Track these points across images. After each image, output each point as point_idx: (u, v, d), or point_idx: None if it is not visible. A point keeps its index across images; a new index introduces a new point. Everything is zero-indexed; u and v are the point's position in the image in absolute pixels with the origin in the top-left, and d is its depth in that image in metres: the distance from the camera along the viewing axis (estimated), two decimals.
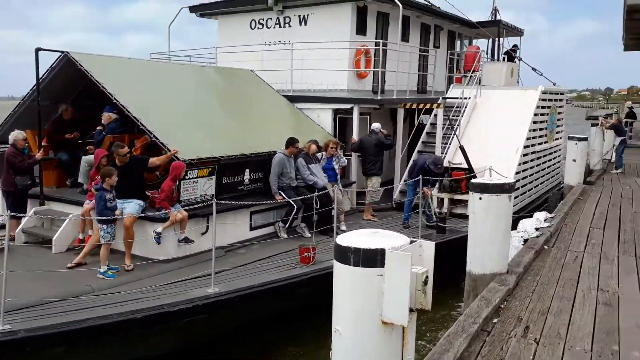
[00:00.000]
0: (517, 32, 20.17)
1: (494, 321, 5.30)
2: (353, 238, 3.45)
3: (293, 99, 12.74)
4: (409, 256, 3.18)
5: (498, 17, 20.13)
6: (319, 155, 10.61)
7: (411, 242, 3.44)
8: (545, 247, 7.85)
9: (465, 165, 11.24)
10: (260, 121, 11.37)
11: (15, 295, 6.11)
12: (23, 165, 8.93)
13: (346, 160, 11.24)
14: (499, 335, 4.99)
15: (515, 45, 18.93)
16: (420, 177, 9.71)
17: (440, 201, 11.34)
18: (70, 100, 10.63)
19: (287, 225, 9.70)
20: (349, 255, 3.31)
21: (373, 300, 3.29)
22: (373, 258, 3.26)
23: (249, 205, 9.23)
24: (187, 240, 8.38)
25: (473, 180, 6.63)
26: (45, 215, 8.68)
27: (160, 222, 8.18)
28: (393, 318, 3.28)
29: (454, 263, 7.76)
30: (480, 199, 6.25)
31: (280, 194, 9.70)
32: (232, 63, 13.58)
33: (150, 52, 15.82)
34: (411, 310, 3.31)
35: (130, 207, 8.12)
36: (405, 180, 11.00)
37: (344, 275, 3.41)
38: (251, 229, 9.53)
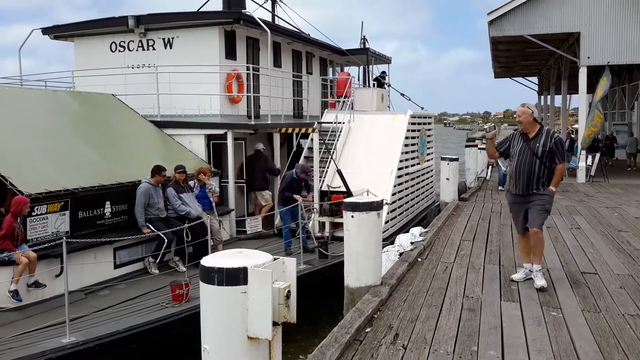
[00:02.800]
0: (385, 59, 20.98)
1: (366, 330, 5.45)
2: (217, 259, 3.55)
3: (161, 124, 11.95)
4: (270, 272, 3.32)
5: (367, 46, 20.87)
6: (191, 183, 9.94)
7: (274, 259, 3.55)
8: (419, 259, 8.11)
9: (343, 189, 11.14)
10: (124, 149, 10.44)
11: None
12: None
13: (218, 190, 10.67)
14: (370, 343, 5.15)
15: (383, 72, 19.64)
16: (299, 202, 9.44)
17: (322, 225, 11.12)
18: None
19: (157, 260, 8.87)
20: (212, 275, 3.39)
21: (238, 317, 3.39)
22: (236, 276, 3.36)
23: (112, 242, 8.29)
24: (37, 284, 7.31)
25: (345, 200, 6.87)
26: None
27: (3, 265, 7.02)
28: (258, 332, 3.40)
29: (339, 286, 7.49)
30: (352, 216, 6.57)
31: (148, 227, 8.87)
32: (92, 87, 12.53)
33: None
34: (276, 324, 3.43)
35: None
36: (279, 207, 10.62)
37: (209, 295, 3.49)
38: (116, 266, 8.57)
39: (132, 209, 9.00)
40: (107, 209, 8.70)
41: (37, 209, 7.51)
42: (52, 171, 8.33)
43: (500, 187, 15.40)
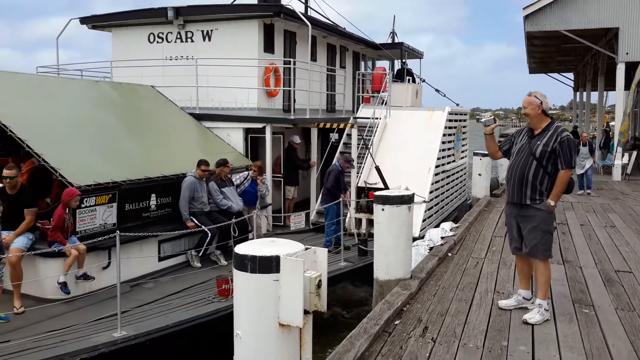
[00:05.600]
0: (417, 54, 20.75)
1: (395, 322, 5.48)
2: (250, 247, 3.66)
3: (200, 117, 11.96)
4: (302, 261, 3.41)
5: (397, 40, 20.65)
6: (244, 174, 9.95)
7: (305, 249, 3.63)
8: (449, 254, 8.10)
9: (380, 185, 11.05)
10: (165, 141, 10.46)
11: None
12: None
13: (268, 192, 10.61)
14: (400, 335, 5.19)
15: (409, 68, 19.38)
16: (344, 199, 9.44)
17: (359, 222, 11.05)
18: None
19: (200, 254, 8.88)
20: (246, 263, 3.48)
21: (270, 304, 3.48)
22: (268, 264, 3.45)
23: (157, 235, 8.32)
24: (86, 276, 7.36)
25: (376, 193, 6.87)
26: None
27: (54, 257, 7.08)
28: (289, 320, 3.50)
29: None
30: (382, 210, 6.59)
31: (193, 221, 8.89)
32: (129, 78, 12.58)
33: (37, 66, 14.21)
34: (306, 312, 3.52)
35: (17, 242, 6.98)
36: (322, 200, 10.57)
37: (242, 282, 3.58)
38: (160, 259, 8.61)
39: (176, 201, 9.03)
40: (152, 201, 8.73)
41: (86, 201, 7.55)
42: (99, 163, 8.37)
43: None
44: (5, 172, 7.05)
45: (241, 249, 3.60)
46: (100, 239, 7.31)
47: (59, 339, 6.20)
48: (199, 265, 8.90)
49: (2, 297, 6.58)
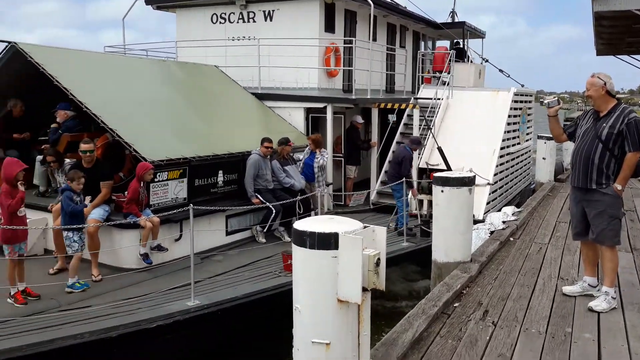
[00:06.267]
0: (479, 34, 20.23)
1: (454, 305, 5.46)
2: (309, 223, 3.68)
3: (261, 96, 12.08)
4: (360, 239, 3.43)
5: (456, 20, 20.17)
6: (299, 154, 10.05)
7: (364, 227, 3.63)
8: (511, 238, 8.00)
9: (443, 167, 10.89)
10: (229, 120, 10.65)
11: None
12: None
13: (326, 162, 10.58)
14: (459, 317, 5.16)
15: (457, 43, 18.88)
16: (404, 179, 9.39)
17: (420, 203, 10.96)
18: (19, 96, 9.59)
19: (265, 230, 9.04)
20: (305, 239, 3.52)
21: (328, 280, 3.51)
22: (327, 241, 3.48)
23: (225, 209, 8.50)
24: (160, 247, 7.62)
25: (435, 174, 6.82)
26: None
27: (129, 228, 7.36)
28: (347, 296, 3.53)
29: None
30: (442, 191, 6.50)
31: (257, 198, 9.04)
32: (193, 58, 12.81)
33: (104, 46, 14.68)
34: (365, 289, 3.54)
35: (94, 213, 7.29)
36: (387, 178, 10.53)
37: (300, 257, 3.63)
38: (227, 233, 8.82)
39: (241, 178, 9.20)
40: (220, 177, 8.93)
41: (158, 176, 7.79)
42: (169, 139, 8.61)
43: None
44: (84, 146, 7.35)
45: (300, 225, 3.64)
46: (173, 212, 7.52)
47: (136, 306, 6.45)
48: (263, 240, 9.06)
49: (81, 266, 6.90)
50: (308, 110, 11.87)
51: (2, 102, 9.41)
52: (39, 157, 8.67)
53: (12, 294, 6.27)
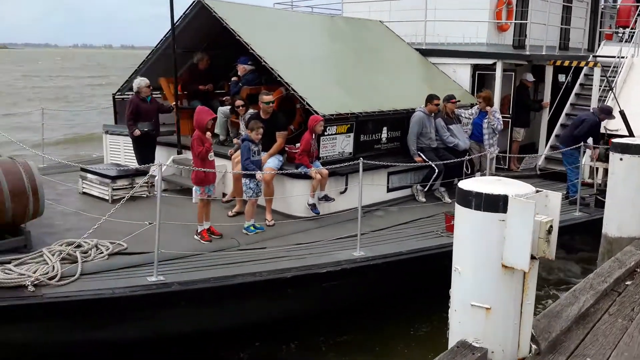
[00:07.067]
0: None
1: (626, 283, 5.14)
2: (476, 183, 3.53)
3: (425, 52, 11.84)
4: (533, 204, 3.22)
5: None
6: (472, 110, 9.77)
7: (537, 191, 3.43)
8: None
9: (623, 132, 9.96)
10: (393, 76, 10.62)
11: (164, 246, 5.93)
12: (128, 115, 8.92)
13: (501, 125, 10.09)
14: (631, 297, 4.85)
15: None
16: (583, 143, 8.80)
17: (594, 171, 10.19)
18: (201, 50, 10.42)
19: (426, 189, 9.02)
20: (470, 199, 3.38)
21: (493, 244, 3.37)
22: (495, 203, 3.32)
23: (388, 166, 8.61)
24: (327, 198, 7.96)
25: (614, 140, 6.38)
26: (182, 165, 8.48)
27: (300, 178, 7.77)
28: (514, 263, 3.36)
29: None
30: (620, 159, 6.12)
31: (420, 156, 9.01)
32: (357, 14, 12.86)
33: (273, 2, 15.28)
34: (533, 257, 3.35)
35: (269, 162, 7.79)
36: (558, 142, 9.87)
37: (464, 218, 3.52)
38: (388, 190, 8.95)
39: (404, 136, 9.21)
40: (384, 134, 9.02)
41: (328, 130, 8.07)
42: (338, 94, 8.83)
43: None
44: (266, 97, 7.82)
45: (466, 184, 3.53)
46: (340, 165, 7.78)
47: (306, 252, 6.89)
48: (423, 199, 9.06)
49: (256, 210, 7.47)
50: (475, 67, 11.43)
51: (187, 55, 10.27)
52: (221, 108, 9.39)
53: (198, 231, 7.00)
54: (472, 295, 3.59)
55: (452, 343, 3.82)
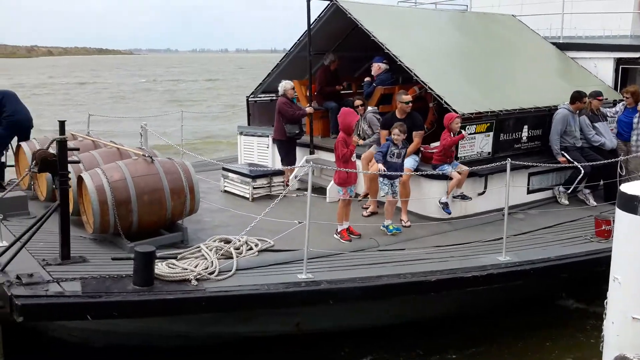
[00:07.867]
0: None
1: None
2: None
3: (562, 46, 11.19)
4: None
5: None
6: (617, 107, 9.12)
7: None
8: None
9: None
10: (531, 72, 10.14)
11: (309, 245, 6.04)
12: (295, 115, 9.05)
13: None
14: None
15: None
16: None
17: None
18: (332, 51, 10.56)
19: (569, 191, 8.52)
20: (635, 204, 3.21)
21: None
22: None
23: (529, 166, 8.22)
24: (463, 196, 7.75)
25: None
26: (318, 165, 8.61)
27: (437, 179, 7.63)
28: None
29: None
30: None
31: (564, 156, 8.52)
32: (486, 8, 12.42)
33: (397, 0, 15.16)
34: None
35: (406, 162, 7.72)
36: None
37: (627, 224, 3.33)
38: (529, 192, 8.55)
39: (546, 135, 8.75)
40: (524, 133, 8.64)
41: (467, 129, 7.85)
42: (476, 92, 8.57)
43: None
44: (406, 97, 7.75)
45: (629, 188, 3.35)
46: (479, 167, 7.54)
47: (447, 255, 6.73)
48: (566, 202, 8.57)
49: (394, 211, 7.42)
50: (618, 61, 10.62)
51: (318, 57, 10.45)
52: None
53: (338, 230, 7.08)
54: (635, 307, 3.41)
55: (607, 357, 3.65)
